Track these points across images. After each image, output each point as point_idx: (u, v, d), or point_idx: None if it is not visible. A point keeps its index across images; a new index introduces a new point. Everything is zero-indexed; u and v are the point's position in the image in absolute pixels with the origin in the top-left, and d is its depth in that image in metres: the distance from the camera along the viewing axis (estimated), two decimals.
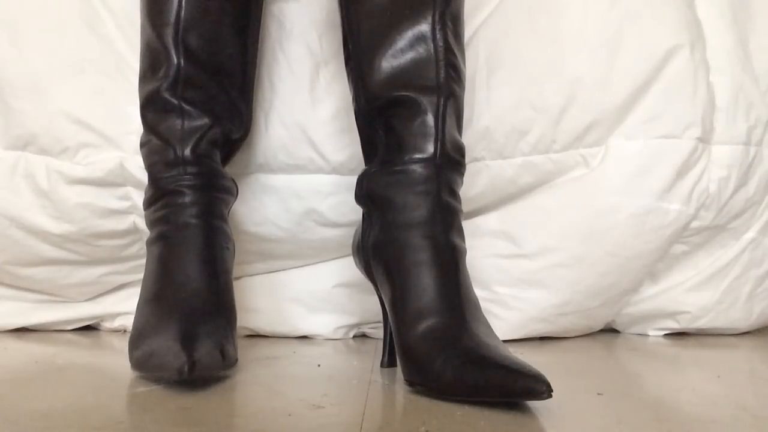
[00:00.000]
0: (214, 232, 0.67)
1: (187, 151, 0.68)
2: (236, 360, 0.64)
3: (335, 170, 0.82)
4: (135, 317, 0.64)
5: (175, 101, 0.68)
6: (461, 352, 0.54)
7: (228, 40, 0.70)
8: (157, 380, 0.60)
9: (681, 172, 0.80)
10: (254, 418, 0.49)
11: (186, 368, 0.54)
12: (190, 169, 0.67)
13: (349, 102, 0.72)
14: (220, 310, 0.63)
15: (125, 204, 0.81)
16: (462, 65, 0.65)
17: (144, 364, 0.59)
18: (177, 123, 0.68)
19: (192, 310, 0.61)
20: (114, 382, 0.61)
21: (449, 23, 0.63)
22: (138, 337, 0.62)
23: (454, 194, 0.64)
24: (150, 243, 0.68)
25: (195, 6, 0.67)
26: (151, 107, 0.69)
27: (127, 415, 0.50)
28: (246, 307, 0.86)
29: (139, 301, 0.65)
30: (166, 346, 0.57)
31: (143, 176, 0.71)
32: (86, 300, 0.89)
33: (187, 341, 0.57)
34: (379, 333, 0.86)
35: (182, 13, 0.66)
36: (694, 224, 0.83)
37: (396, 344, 0.60)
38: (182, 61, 0.67)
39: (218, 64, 0.70)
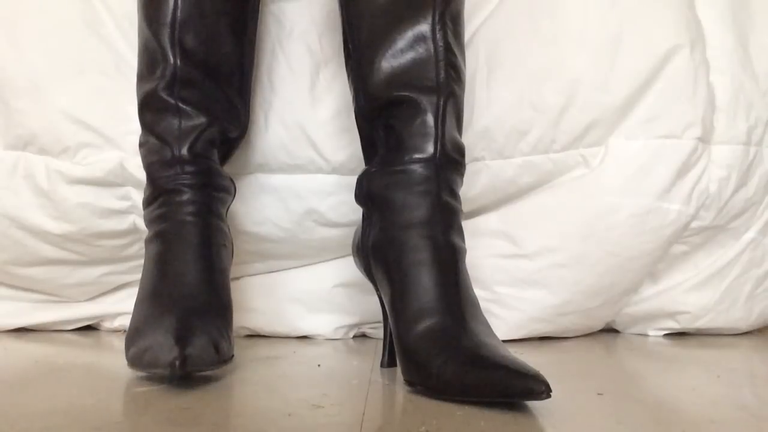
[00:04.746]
0: (211, 230, 0.67)
1: (185, 151, 0.68)
2: (232, 356, 0.64)
3: (335, 170, 0.82)
4: (132, 314, 0.64)
5: (171, 101, 0.68)
6: (461, 352, 0.54)
7: (225, 40, 0.70)
8: (151, 376, 0.60)
9: (681, 172, 0.80)
10: (254, 418, 0.49)
11: (178, 363, 0.54)
12: (187, 168, 0.67)
13: (349, 102, 0.72)
14: (216, 306, 0.64)
15: (125, 204, 0.81)
16: (462, 65, 0.65)
17: (138, 360, 0.59)
18: (174, 122, 0.68)
19: (188, 307, 0.62)
20: (114, 382, 0.61)
21: (449, 23, 0.63)
22: (134, 334, 0.62)
23: (454, 194, 0.64)
24: (148, 241, 0.68)
25: (191, 6, 0.67)
26: (149, 107, 0.69)
27: (127, 415, 0.50)
28: (246, 307, 0.86)
29: (136, 298, 0.65)
30: (160, 341, 0.58)
31: (143, 176, 0.71)
32: (86, 300, 0.89)
33: (181, 336, 0.57)
34: (379, 333, 0.86)
35: (178, 13, 0.66)
36: (694, 224, 0.83)
37: (396, 344, 0.60)
38: (179, 61, 0.67)
39: (215, 64, 0.70)
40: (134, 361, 0.60)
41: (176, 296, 0.62)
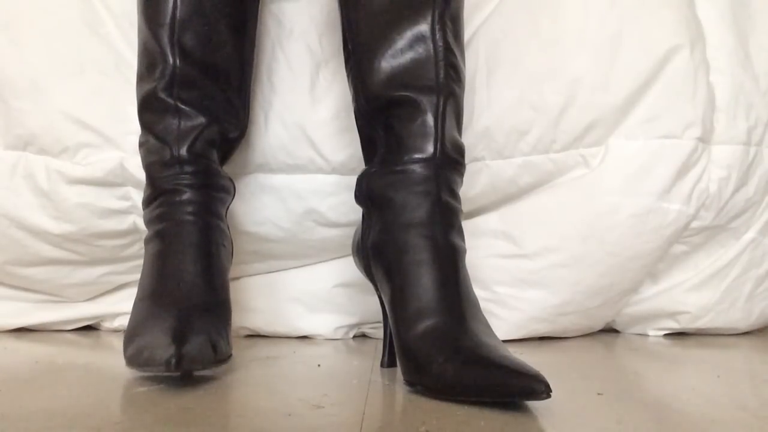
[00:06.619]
0: (210, 230, 0.67)
1: (184, 151, 0.68)
2: (230, 355, 0.64)
3: (335, 170, 0.82)
4: (131, 313, 0.64)
5: (171, 101, 0.68)
6: (461, 352, 0.54)
7: (224, 40, 0.70)
8: (151, 376, 0.60)
9: (681, 172, 0.80)
10: (254, 418, 0.49)
11: (174, 361, 0.55)
12: (186, 168, 0.68)
13: (349, 102, 0.72)
14: (214, 306, 0.64)
15: (125, 204, 0.81)
16: (462, 65, 0.65)
17: (135, 358, 0.60)
18: (173, 123, 0.68)
19: (186, 306, 0.62)
20: (114, 382, 0.61)
21: (449, 23, 0.63)
22: (132, 333, 0.62)
23: (454, 194, 0.64)
24: (147, 241, 0.68)
25: (190, 6, 0.67)
26: (148, 108, 0.69)
27: (127, 415, 0.50)
28: (246, 307, 0.86)
29: (135, 297, 0.66)
30: (157, 340, 0.58)
31: (143, 176, 0.71)
32: (86, 300, 0.89)
33: (178, 335, 0.57)
34: (379, 333, 0.86)
35: (177, 13, 0.66)
36: (694, 224, 0.83)
37: (396, 344, 0.60)
38: (178, 61, 0.67)
39: (214, 64, 0.70)
40: (132, 360, 0.61)
41: (175, 295, 0.63)
